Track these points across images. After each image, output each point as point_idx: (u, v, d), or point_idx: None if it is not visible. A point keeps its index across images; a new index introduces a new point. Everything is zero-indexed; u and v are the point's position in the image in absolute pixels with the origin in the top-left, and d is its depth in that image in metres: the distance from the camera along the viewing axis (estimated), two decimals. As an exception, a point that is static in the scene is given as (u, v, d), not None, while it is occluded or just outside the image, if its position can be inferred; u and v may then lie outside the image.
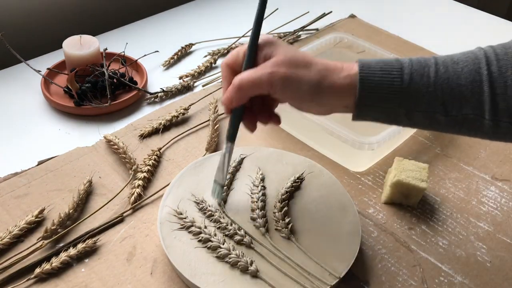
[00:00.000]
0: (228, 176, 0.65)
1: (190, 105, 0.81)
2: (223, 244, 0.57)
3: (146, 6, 1.13)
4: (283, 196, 0.63)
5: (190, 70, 0.91)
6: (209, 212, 0.61)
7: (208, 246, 0.57)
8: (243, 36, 0.99)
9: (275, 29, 1.01)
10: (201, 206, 0.62)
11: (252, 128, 0.57)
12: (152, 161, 0.71)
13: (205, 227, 0.59)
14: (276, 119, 0.57)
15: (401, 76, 0.51)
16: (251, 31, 0.55)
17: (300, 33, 1.03)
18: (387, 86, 0.51)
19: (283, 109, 0.75)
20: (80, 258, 0.59)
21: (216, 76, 0.90)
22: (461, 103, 0.50)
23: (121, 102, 0.80)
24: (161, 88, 0.85)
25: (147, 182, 0.69)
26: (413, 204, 0.68)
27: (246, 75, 0.52)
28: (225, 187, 0.63)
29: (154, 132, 0.77)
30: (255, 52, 0.54)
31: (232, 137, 0.57)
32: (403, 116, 0.52)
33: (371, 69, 0.52)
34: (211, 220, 0.60)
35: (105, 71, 0.81)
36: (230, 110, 0.55)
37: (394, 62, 0.52)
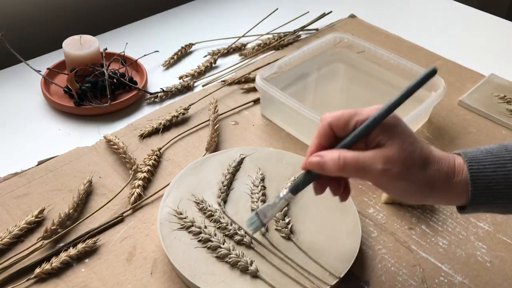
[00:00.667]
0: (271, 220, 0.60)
1: (190, 105, 0.81)
2: (223, 244, 0.57)
3: (146, 6, 1.13)
4: (283, 196, 0.63)
5: (190, 70, 0.91)
6: (209, 212, 0.61)
7: (208, 246, 0.57)
8: (243, 36, 0.99)
9: (275, 29, 1.01)
10: (201, 206, 0.62)
11: (319, 192, 0.51)
12: (152, 161, 0.71)
13: (205, 227, 0.59)
14: (346, 195, 0.51)
15: None
16: (384, 106, 0.47)
17: (300, 33, 1.03)
18: (503, 182, 0.46)
19: (281, 108, 0.75)
20: (80, 258, 0.59)
21: (216, 76, 0.90)
22: None
23: (121, 102, 0.80)
24: (161, 88, 0.85)
25: (147, 182, 0.69)
26: (413, 204, 0.68)
27: (354, 159, 0.46)
28: (264, 227, 0.60)
29: (154, 132, 0.77)
30: (372, 130, 0.47)
31: (296, 190, 0.51)
32: None
33: (480, 164, 0.47)
34: (211, 220, 0.60)
35: (105, 71, 0.81)
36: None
37: (504, 152, 0.47)
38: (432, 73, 0.47)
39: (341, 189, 0.51)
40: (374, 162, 0.45)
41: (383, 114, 0.47)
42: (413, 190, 0.47)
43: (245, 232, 0.59)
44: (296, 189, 0.51)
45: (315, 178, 0.50)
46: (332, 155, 0.47)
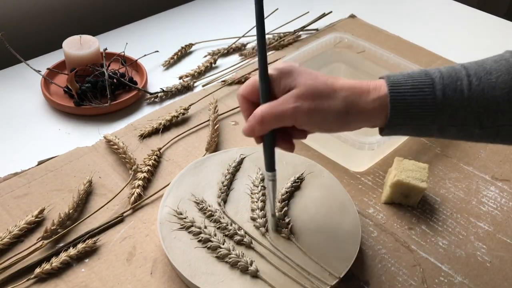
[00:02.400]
0: (276, 205, 0.61)
1: (190, 105, 0.81)
2: (223, 244, 0.57)
3: (146, 6, 1.13)
4: (283, 196, 0.63)
5: (190, 70, 0.91)
6: (209, 212, 0.61)
7: (208, 246, 0.57)
8: (243, 36, 0.99)
9: (275, 29, 1.01)
10: (201, 206, 0.62)
11: (290, 148, 0.54)
12: (152, 161, 0.71)
13: (205, 227, 0.59)
14: (302, 134, 0.54)
15: (433, 92, 0.49)
16: (257, 61, 0.53)
17: (300, 33, 1.03)
18: (419, 105, 0.49)
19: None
20: (80, 258, 0.59)
21: (216, 76, 0.90)
22: (497, 115, 0.48)
23: (121, 102, 0.80)
24: (161, 88, 0.85)
25: (147, 182, 0.69)
26: (413, 204, 0.68)
27: (268, 109, 0.50)
28: (276, 217, 0.60)
29: (154, 132, 0.77)
30: (268, 83, 0.52)
31: (270, 166, 0.54)
32: (435, 131, 0.50)
33: (401, 87, 0.49)
34: (211, 220, 0.60)
35: (105, 71, 0.81)
36: (260, 138, 0.53)
37: (424, 77, 0.50)
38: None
39: (304, 133, 0.54)
40: (285, 103, 0.50)
41: (261, 63, 0.52)
42: (330, 119, 0.50)
43: (245, 232, 0.59)
44: (269, 165, 0.55)
45: (271, 142, 0.53)
46: (254, 114, 0.51)
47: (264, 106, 0.51)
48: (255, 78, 0.53)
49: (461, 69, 0.50)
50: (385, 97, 0.49)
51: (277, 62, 0.52)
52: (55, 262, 0.57)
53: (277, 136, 0.53)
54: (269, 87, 0.52)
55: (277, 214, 0.61)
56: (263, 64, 0.52)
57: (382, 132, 0.52)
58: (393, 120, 0.49)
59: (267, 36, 1.00)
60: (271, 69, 0.52)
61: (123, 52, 0.88)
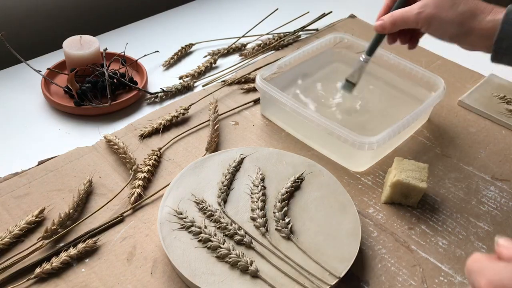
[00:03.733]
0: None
1: (190, 105, 0.81)
2: (223, 244, 0.57)
3: (146, 6, 1.13)
4: (283, 196, 0.63)
5: (190, 70, 0.91)
6: (209, 212, 0.61)
7: (208, 246, 0.57)
8: (243, 36, 0.99)
9: (275, 29, 1.01)
10: (201, 206, 0.62)
11: (391, 42, 0.70)
12: (152, 161, 0.71)
13: (205, 227, 0.59)
14: (413, 44, 0.70)
15: None
16: None
17: (300, 33, 1.03)
18: None
19: (281, 108, 0.75)
20: (80, 258, 0.59)
21: (216, 76, 0.90)
22: None
23: (121, 102, 0.80)
24: (161, 88, 0.85)
25: (147, 182, 0.69)
26: (413, 204, 0.68)
27: (399, 13, 0.64)
28: (353, 86, 0.74)
29: (154, 132, 0.77)
30: None
31: (371, 51, 0.71)
32: None
33: None
34: (211, 220, 0.60)
35: (105, 71, 0.81)
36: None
37: None
38: None
39: (409, 40, 0.70)
40: (412, 9, 0.63)
41: None
42: (445, 27, 0.61)
43: (245, 232, 0.59)
44: (370, 50, 0.71)
45: (382, 36, 0.70)
46: (388, 15, 0.66)
47: (398, 11, 0.65)
48: None
49: None
50: (499, 20, 0.56)
51: None
52: (55, 262, 0.57)
53: (403, 35, 0.69)
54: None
55: (277, 214, 0.61)
56: None
57: (492, 56, 0.59)
58: (499, 43, 0.56)
59: (267, 36, 1.00)
60: None
61: (123, 52, 0.88)
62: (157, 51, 0.91)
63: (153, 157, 0.71)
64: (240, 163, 0.68)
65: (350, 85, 0.75)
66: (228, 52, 0.97)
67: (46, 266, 0.56)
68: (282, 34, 1.01)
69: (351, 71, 0.74)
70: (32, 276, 0.56)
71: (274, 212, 0.62)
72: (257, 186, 0.65)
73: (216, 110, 0.79)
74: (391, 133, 0.70)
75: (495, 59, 0.59)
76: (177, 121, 0.80)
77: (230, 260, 0.56)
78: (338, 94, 0.82)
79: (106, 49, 0.86)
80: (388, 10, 0.68)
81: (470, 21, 0.59)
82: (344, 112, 0.80)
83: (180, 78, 0.89)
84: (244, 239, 0.58)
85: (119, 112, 0.81)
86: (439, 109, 0.85)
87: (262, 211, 0.62)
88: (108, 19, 1.07)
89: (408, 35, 0.70)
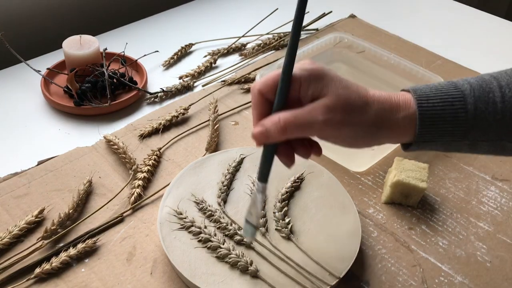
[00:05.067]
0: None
1: (190, 105, 0.81)
2: (223, 244, 0.57)
3: (146, 6, 1.13)
4: (283, 196, 0.63)
5: (190, 70, 0.91)
6: (209, 212, 0.61)
7: (208, 246, 0.57)
8: (243, 36, 0.99)
9: (275, 29, 1.01)
10: (201, 206, 0.62)
11: (290, 163, 0.48)
12: (152, 161, 0.71)
13: (205, 227, 0.59)
14: (318, 150, 0.49)
15: (465, 106, 0.46)
16: (284, 58, 0.46)
17: (300, 33, 1.03)
18: (450, 120, 0.46)
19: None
20: (80, 258, 0.59)
21: (216, 76, 0.90)
22: None
23: (121, 102, 0.80)
24: (161, 88, 0.85)
25: (147, 182, 0.69)
26: (413, 204, 0.68)
27: (293, 117, 0.45)
28: (259, 227, 0.59)
29: (154, 132, 0.77)
30: (289, 85, 0.46)
31: (264, 177, 0.49)
32: (466, 146, 0.48)
33: (429, 102, 0.46)
34: (211, 220, 0.60)
35: (105, 71, 0.81)
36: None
37: (453, 90, 0.47)
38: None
39: (309, 148, 0.49)
40: (314, 115, 0.45)
41: (288, 60, 0.46)
42: (360, 134, 0.46)
43: (245, 232, 0.59)
44: (263, 176, 0.49)
45: (272, 152, 0.48)
46: (272, 120, 0.45)
47: (287, 113, 0.45)
48: (275, 73, 0.47)
49: (491, 80, 0.47)
50: (415, 113, 0.46)
51: (305, 61, 0.47)
52: (55, 262, 0.57)
53: (279, 147, 0.48)
54: (289, 89, 0.46)
55: (277, 214, 0.61)
56: (289, 62, 0.46)
57: (407, 148, 0.49)
58: (422, 136, 0.47)
59: (267, 36, 1.00)
60: (298, 69, 0.46)
61: (123, 52, 0.88)
62: (157, 51, 0.91)
63: (153, 157, 0.71)
64: (240, 163, 0.68)
65: (251, 227, 0.53)
66: (228, 52, 0.97)
67: (46, 266, 0.56)
68: (282, 34, 1.01)
69: (247, 210, 0.53)
70: (32, 276, 0.56)
71: (274, 212, 0.62)
72: (257, 186, 0.65)
73: (216, 110, 0.79)
74: (391, 133, 0.70)
75: (414, 150, 0.49)
76: (177, 121, 0.80)
77: (230, 260, 0.56)
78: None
79: (106, 49, 0.86)
80: (262, 116, 0.47)
81: (385, 122, 0.47)
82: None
83: (180, 78, 0.89)
84: (244, 239, 0.58)
85: (119, 112, 0.81)
86: (439, 109, 0.85)
87: (262, 211, 0.61)
88: (108, 19, 1.07)
89: (305, 143, 0.49)
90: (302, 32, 1.03)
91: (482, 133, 0.47)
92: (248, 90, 0.86)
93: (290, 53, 0.46)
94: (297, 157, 0.49)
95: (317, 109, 0.45)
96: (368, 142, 0.48)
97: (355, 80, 0.48)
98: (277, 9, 1.04)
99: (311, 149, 0.49)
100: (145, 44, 0.96)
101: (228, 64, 0.93)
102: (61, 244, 0.60)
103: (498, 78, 0.47)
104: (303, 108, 0.45)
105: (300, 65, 0.47)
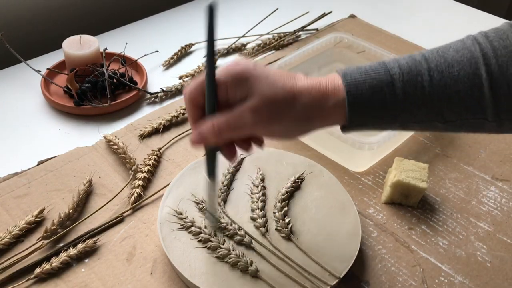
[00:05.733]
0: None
1: (190, 105, 0.81)
2: (223, 244, 0.57)
3: (146, 6, 1.13)
4: (283, 196, 0.63)
5: (190, 70, 0.91)
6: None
7: (208, 246, 0.57)
8: (243, 36, 0.99)
9: (275, 29, 1.01)
10: (201, 206, 0.62)
11: (232, 158, 0.50)
12: (152, 161, 0.71)
13: (205, 227, 0.59)
14: (259, 142, 0.51)
15: (393, 91, 0.46)
16: (205, 66, 0.47)
17: (300, 33, 1.03)
18: (379, 107, 0.47)
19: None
20: (80, 258, 0.59)
21: (216, 76, 0.90)
22: (460, 110, 0.46)
23: (121, 102, 0.80)
24: (161, 88, 0.85)
25: (147, 182, 0.69)
26: (413, 204, 0.68)
27: (224, 122, 0.46)
28: (214, 217, 0.59)
29: (154, 132, 0.77)
30: (215, 91, 0.47)
31: (211, 173, 0.52)
32: (397, 127, 0.49)
33: (358, 89, 0.47)
34: (211, 220, 0.60)
35: (105, 71, 0.81)
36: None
37: (382, 74, 0.47)
38: (210, 9, 0.48)
39: (249, 142, 0.50)
40: (243, 117, 0.46)
41: (209, 67, 0.47)
42: (291, 128, 0.48)
43: (245, 232, 0.59)
44: (209, 171, 0.52)
45: (214, 150, 0.51)
46: (207, 127, 0.47)
47: (220, 118, 0.47)
48: (201, 79, 0.48)
49: (421, 61, 0.47)
50: (344, 101, 0.47)
51: (230, 62, 0.49)
52: (55, 262, 0.57)
53: (242, 142, 0.50)
54: (216, 94, 0.47)
55: (277, 214, 0.61)
56: (210, 70, 0.47)
57: (343, 130, 0.50)
58: (353, 122, 0.48)
59: (267, 36, 1.00)
60: (222, 73, 0.47)
61: (123, 52, 0.88)
62: (157, 51, 0.91)
63: (153, 157, 0.71)
64: (240, 163, 0.68)
65: (211, 216, 0.59)
66: (228, 52, 0.97)
67: (46, 266, 0.56)
68: (282, 34, 1.01)
69: (207, 202, 0.60)
70: (32, 276, 0.56)
71: (274, 212, 0.62)
72: (257, 186, 0.65)
73: (216, 110, 0.79)
74: (391, 133, 0.70)
75: (348, 132, 0.50)
76: (177, 121, 0.80)
77: (230, 260, 0.56)
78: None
79: (106, 49, 0.86)
80: (196, 119, 0.49)
81: (315, 112, 0.47)
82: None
83: (180, 78, 0.89)
84: (244, 239, 0.58)
85: (119, 112, 0.81)
86: (439, 109, 0.85)
87: (262, 211, 0.62)
88: (108, 19, 1.07)
89: (244, 138, 0.50)
90: (302, 32, 1.03)
91: (411, 115, 0.47)
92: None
93: (209, 60, 0.48)
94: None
95: (245, 112, 0.46)
96: (302, 132, 0.49)
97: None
98: (277, 9, 1.04)
99: (251, 142, 0.51)
100: (145, 44, 0.96)
101: (228, 64, 0.93)
102: (61, 244, 0.60)
103: (428, 59, 0.47)
104: (233, 111, 0.47)
105: (225, 69, 0.48)
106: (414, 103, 0.47)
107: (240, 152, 0.51)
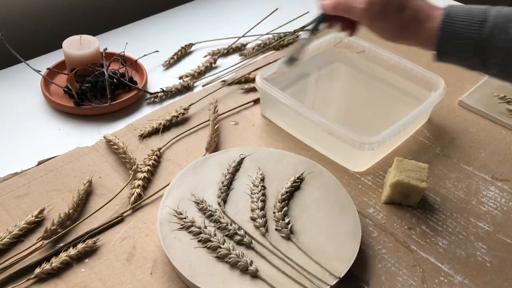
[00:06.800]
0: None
1: (190, 105, 0.81)
2: (223, 244, 0.57)
3: (146, 6, 1.13)
4: (283, 196, 0.63)
5: (190, 70, 0.91)
6: (209, 212, 0.61)
7: (208, 246, 0.57)
8: (243, 36, 0.99)
9: (275, 29, 1.01)
10: (201, 206, 0.62)
11: (331, 26, 0.66)
12: (152, 161, 0.71)
13: (205, 227, 0.59)
14: (352, 31, 0.65)
15: (481, 29, 0.53)
16: None
17: (300, 33, 1.03)
18: (464, 38, 0.54)
19: (281, 108, 0.75)
20: (80, 258, 0.59)
21: (216, 76, 0.90)
22: None
23: (121, 102, 0.80)
24: (161, 88, 0.85)
25: (147, 182, 0.69)
26: (413, 204, 0.68)
27: (344, 1, 0.60)
28: (295, 61, 0.69)
29: (154, 132, 0.77)
30: None
31: (312, 30, 0.66)
32: (479, 66, 0.56)
33: (453, 20, 0.55)
34: (211, 220, 0.60)
35: (105, 71, 0.81)
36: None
37: (479, 13, 0.55)
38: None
39: (348, 27, 0.65)
40: (358, 2, 0.58)
41: None
42: (389, 29, 0.59)
43: (245, 232, 0.59)
44: (314, 29, 0.65)
45: (324, 18, 0.64)
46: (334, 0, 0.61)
47: None
48: None
49: None
50: (438, 27, 0.55)
51: None
52: (55, 262, 0.57)
53: (346, 22, 0.64)
54: None
55: (277, 214, 0.61)
56: None
57: (434, 58, 0.58)
58: (439, 47, 0.56)
59: (267, 36, 1.00)
60: None
61: (123, 52, 0.88)
62: (157, 51, 0.91)
63: (153, 157, 0.71)
64: (240, 163, 0.68)
65: (291, 60, 0.69)
66: (228, 52, 0.97)
67: (46, 266, 0.56)
68: (282, 34, 1.01)
69: (293, 48, 0.69)
70: (32, 276, 0.56)
71: (274, 212, 0.62)
72: (257, 186, 0.65)
73: (216, 110, 0.79)
74: (391, 133, 0.70)
75: (439, 61, 0.59)
76: (177, 121, 0.80)
77: (230, 260, 0.56)
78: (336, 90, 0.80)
79: (106, 49, 0.86)
80: None
81: (412, 28, 0.58)
82: (344, 112, 0.80)
83: (180, 78, 0.89)
84: (244, 239, 0.58)
85: (119, 112, 0.81)
86: (439, 109, 0.85)
87: (262, 211, 0.62)
88: (108, 19, 1.07)
89: (350, 22, 0.65)
90: (302, 32, 1.03)
91: (491, 55, 0.54)
92: (248, 90, 0.86)
93: None
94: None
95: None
96: (394, 39, 0.60)
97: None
98: (277, 9, 1.04)
99: (348, 27, 0.65)
100: (145, 44, 0.96)
101: (228, 64, 0.93)
102: (61, 244, 0.60)
103: None
104: None
105: None
106: (495, 44, 0.53)
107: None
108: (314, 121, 0.71)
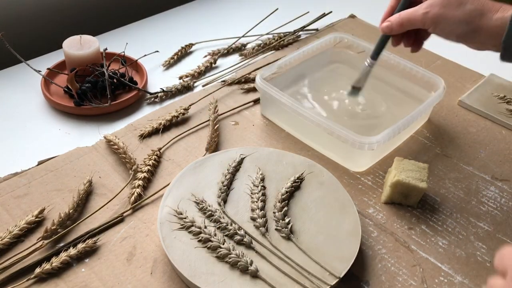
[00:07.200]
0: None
1: (190, 105, 0.81)
2: (223, 244, 0.57)
3: (146, 6, 1.13)
4: (283, 196, 0.63)
5: (190, 70, 0.91)
6: (209, 212, 0.61)
7: (208, 246, 0.57)
8: (243, 36, 0.99)
9: (275, 29, 1.01)
10: (201, 206, 0.62)
11: (396, 44, 0.70)
12: (152, 161, 0.71)
13: (205, 227, 0.59)
14: (417, 47, 0.69)
15: None
16: None
17: (300, 33, 1.03)
18: None
19: (281, 108, 0.75)
20: (80, 258, 0.59)
21: (216, 76, 0.90)
22: None
23: (121, 102, 0.80)
24: (161, 88, 0.85)
25: (147, 182, 0.69)
26: (413, 204, 0.68)
27: (406, 14, 0.63)
28: (359, 90, 0.75)
29: (154, 132, 0.77)
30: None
31: (376, 55, 0.71)
32: None
33: None
34: (211, 220, 0.60)
35: (105, 71, 0.81)
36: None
37: None
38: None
39: (413, 43, 0.68)
40: (419, 9, 0.62)
41: None
42: (454, 26, 0.60)
43: (245, 232, 0.59)
44: (375, 53, 0.71)
45: (387, 38, 0.69)
46: (395, 17, 0.65)
47: (404, 12, 0.64)
48: None
49: None
50: (507, 18, 0.55)
51: None
52: (55, 262, 0.57)
53: (408, 38, 0.68)
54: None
55: (277, 214, 0.61)
56: None
57: (501, 54, 0.58)
58: (508, 41, 0.55)
59: (267, 36, 1.00)
60: None
61: (123, 52, 0.88)
62: (157, 51, 0.91)
63: (153, 157, 0.71)
64: (240, 163, 0.68)
65: (355, 90, 0.75)
66: (228, 52, 0.97)
67: (46, 266, 0.56)
68: (282, 34, 1.01)
69: (357, 77, 0.74)
70: (32, 276, 0.56)
71: (274, 212, 0.62)
72: (257, 186, 0.65)
73: (216, 110, 0.79)
74: (391, 133, 0.70)
75: (505, 57, 0.58)
76: (177, 121, 0.80)
77: (230, 260, 0.56)
78: (341, 94, 0.81)
79: (106, 49, 0.86)
80: (392, 11, 0.68)
81: (477, 20, 0.58)
82: (344, 112, 0.80)
83: (180, 78, 0.89)
84: (244, 239, 0.58)
85: (119, 112, 0.81)
86: (439, 109, 0.85)
87: (262, 211, 0.62)
88: (108, 19, 1.07)
89: (412, 37, 0.68)
90: (302, 32, 1.04)
91: None
92: (248, 90, 0.86)
93: None
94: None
95: (422, 5, 0.62)
96: (460, 36, 0.61)
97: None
98: (277, 9, 1.04)
99: (413, 44, 0.69)
100: (145, 44, 0.96)
101: (228, 64, 0.93)
102: (61, 244, 0.60)
103: None
104: (413, 8, 0.63)
105: None
106: None
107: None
108: (314, 121, 0.71)
